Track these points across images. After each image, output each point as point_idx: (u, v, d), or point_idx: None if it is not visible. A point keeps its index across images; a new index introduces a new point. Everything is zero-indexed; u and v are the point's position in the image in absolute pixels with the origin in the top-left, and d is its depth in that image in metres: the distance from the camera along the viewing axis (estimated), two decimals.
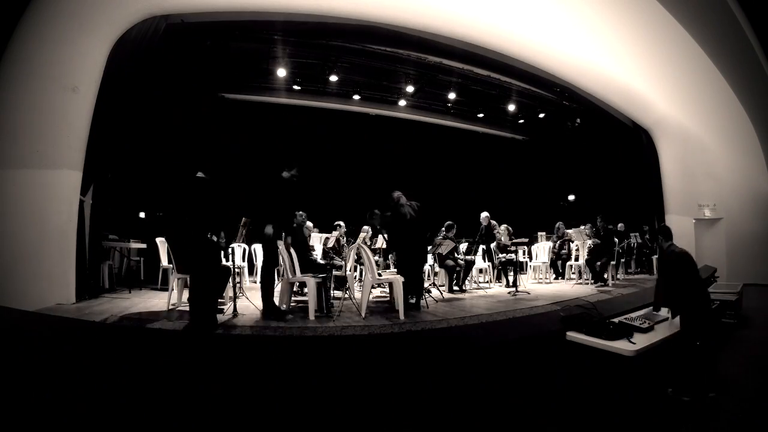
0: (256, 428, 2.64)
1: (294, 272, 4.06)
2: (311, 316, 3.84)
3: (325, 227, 6.61)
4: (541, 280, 7.29)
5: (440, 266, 6.07)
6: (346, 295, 4.77)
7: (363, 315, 4.08)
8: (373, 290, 4.92)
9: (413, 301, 4.54)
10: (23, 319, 3.73)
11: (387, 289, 5.44)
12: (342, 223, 6.22)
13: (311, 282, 3.95)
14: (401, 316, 4.04)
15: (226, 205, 4.27)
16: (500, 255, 6.59)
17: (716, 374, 3.11)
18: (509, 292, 5.80)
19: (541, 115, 10.41)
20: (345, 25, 6.00)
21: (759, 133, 8.30)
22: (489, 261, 6.76)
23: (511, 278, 6.32)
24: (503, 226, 7.10)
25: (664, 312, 3.94)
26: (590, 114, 9.47)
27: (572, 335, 3.37)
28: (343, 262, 5.27)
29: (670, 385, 2.99)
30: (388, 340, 3.55)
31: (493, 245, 6.75)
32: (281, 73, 7.66)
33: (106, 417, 2.53)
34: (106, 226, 5.52)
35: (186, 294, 4.58)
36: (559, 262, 7.28)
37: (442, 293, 5.62)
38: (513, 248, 6.46)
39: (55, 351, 3.14)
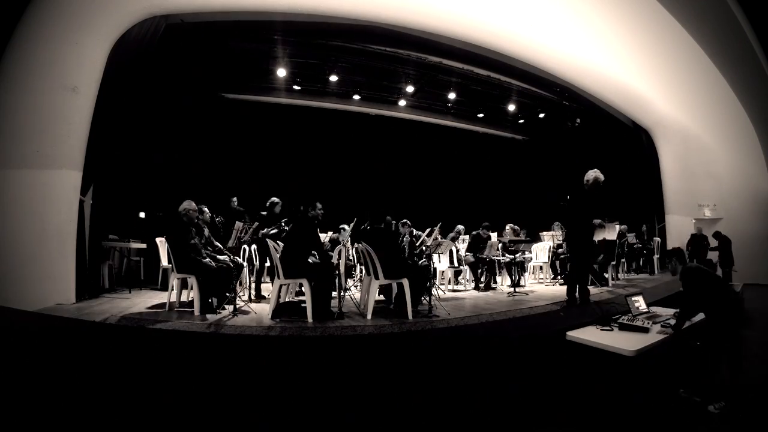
0: (259, 428, 2.64)
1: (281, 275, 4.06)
2: (310, 317, 3.84)
3: (324, 226, 6.58)
4: (541, 280, 7.28)
5: (465, 264, 6.31)
6: (342, 294, 4.76)
7: (369, 316, 4.06)
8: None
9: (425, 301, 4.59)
10: (23, 319, 3.72)
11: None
12: (346, 227, 6.21)
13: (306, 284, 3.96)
14: (410, 316, 4.04)
15: None
16: (505, 255, 6.58)
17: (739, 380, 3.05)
18: (508, 293, 5.80)
19: (541, 115, 10.41)
20: (345, 25, 6.00)
21: (759, 133, 8.31)
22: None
23: (515, 278, 6.33)
24: (508, 226, 7.10)
25: (665, 311, 3.95)
26: (590, 114, 9.48)
27: (572, 335, 3.38)
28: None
29: (682, 386, 2.95)
30: (387, 340, 3.54)
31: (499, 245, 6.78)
32: (281, 73, 7.66)
33: (106, 416, 2.53)
34: (106, 226, 5.52)
35: (185, 294, 4.61)
36: (558, 263, 7.26)
37: (437, 294, 5.60)
38: (514, 247, 6.46)
39: (55, 351, 3.14)
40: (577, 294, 4.75)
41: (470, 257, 6.33)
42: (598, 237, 4.91)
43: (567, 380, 3.25)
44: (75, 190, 4.49)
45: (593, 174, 4.77)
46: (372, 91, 9.17)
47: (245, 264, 4.99)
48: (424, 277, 4.63)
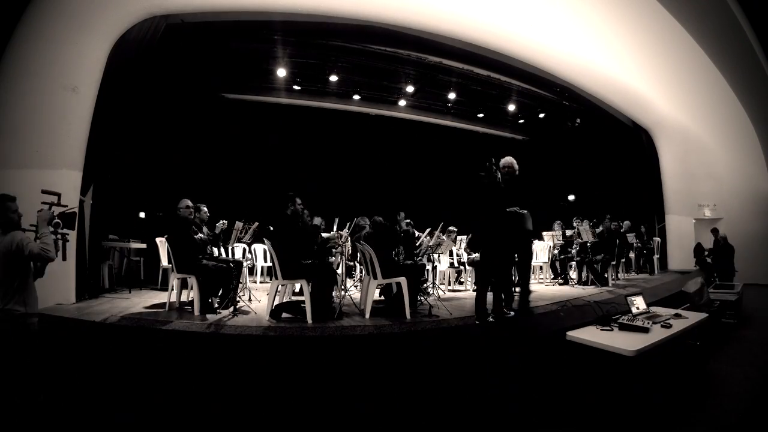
0: (258, 427, 2.64)
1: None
2: (309, 317, 3.84)
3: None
4: (541, 280, 7.28)
5: (469, 264, 6.32)
6: (342, 294, 4.77)
7: (367, 316, 4.07)
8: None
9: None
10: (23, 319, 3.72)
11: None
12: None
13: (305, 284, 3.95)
14: (408, 316, 4.04)
15: None
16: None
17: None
18: None
19: (541, 115, 10.40)
20: (345, 25, 5.99)
21: (759, 133, 8.31)
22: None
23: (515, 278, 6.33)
24: None
25: (665, 311, 3.95)
26: (590, 114, 9.47)
27: (572, 335, 3.37)
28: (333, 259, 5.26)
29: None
30: (387, 340, 3.54)
31: None
32: (281, 73, 7.66)
33: (106, 416, 2.53)
34: (106, 226, 5.52)
35: (185, 294, 4.60)
36: (558, 263, 7.26)
37: (437, 294, 5.61)
38: None
39: (55, 351, 3.14)
40: (503, 302, 3.99)
41: (477, 257, 6.32)
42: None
43: (567, 380, 3.25)
44: (75, 190, 4.49)
45: (509, 160, 4.21)
46: (372, 91, 9.16)
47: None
48: (422, 277, 4.64)
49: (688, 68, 7.43)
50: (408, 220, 5.78)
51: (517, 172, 4.18)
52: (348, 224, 5.22)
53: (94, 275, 4.96)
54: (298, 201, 4.33)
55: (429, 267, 5.90)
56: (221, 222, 4.82)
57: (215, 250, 4.99)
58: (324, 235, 5.34)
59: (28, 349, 2.47)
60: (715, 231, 7.93)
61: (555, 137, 11.21)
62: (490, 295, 3.96)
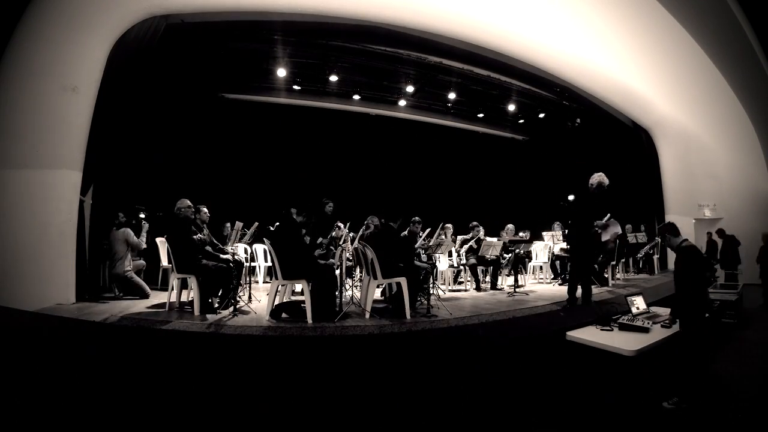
0: (258, 427, 2.64)
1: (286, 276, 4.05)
2: (309, 318, 3.84)
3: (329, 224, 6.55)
4: (541, 280, 7.28)
5: (467, 266, 6.33)
6: (342, 294, 4.76)
7: (368, 315, 4.07)
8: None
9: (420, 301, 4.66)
10: (23, 319, 3.73)
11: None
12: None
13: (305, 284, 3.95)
14: (407, 316, 4.04)
15: None
16: (505, 255, 6.58)
17: (709, 381, 3.09)
18: (508, 293, 5.80)
19: (541, 115, 10.40)
20: (345, 25, 6.00)
21: (759, 133, 8.32)
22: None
23: (512, 278, 6.33)
24: (509, 226, 7.10)
25: (665, 311, 3.95)
26: (590, 114, 9.47)
27: (572, 335, 3.38)
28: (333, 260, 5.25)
29: (666, 397, 2.97)
30: (388, 340, 3.54)
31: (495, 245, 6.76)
32: (281, 73, 7.65)
33: (106, 416, 2.53)
34: (106, 226, 5.51)
35: (185, 294, 4.60)
36: (558, 263, 7.25)
37: (437, 294, 5.60)
38: (514, 247, 6.46)
39: (55, 351, 3.14)
40: (578, 294, 4.79)
41: (472, 258, 6.33)
42: (605, 237, 5.03)
43: (567, 380, 3.25)
44: (75, 190, 4.49)
45: (598, 178, 4.87)
46: (372, 91, 9.16)
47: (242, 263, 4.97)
48: (423, 278, 4.64)
49: (688, 68, 7.43)
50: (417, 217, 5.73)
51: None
52: (347, 223, 5.22)
53: (94, 275, 4.96)
54: (307, 215, 4.36)
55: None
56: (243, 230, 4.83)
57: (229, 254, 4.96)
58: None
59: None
60: (721, 231, 7.90)
61: (555, 137, 11.21)
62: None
